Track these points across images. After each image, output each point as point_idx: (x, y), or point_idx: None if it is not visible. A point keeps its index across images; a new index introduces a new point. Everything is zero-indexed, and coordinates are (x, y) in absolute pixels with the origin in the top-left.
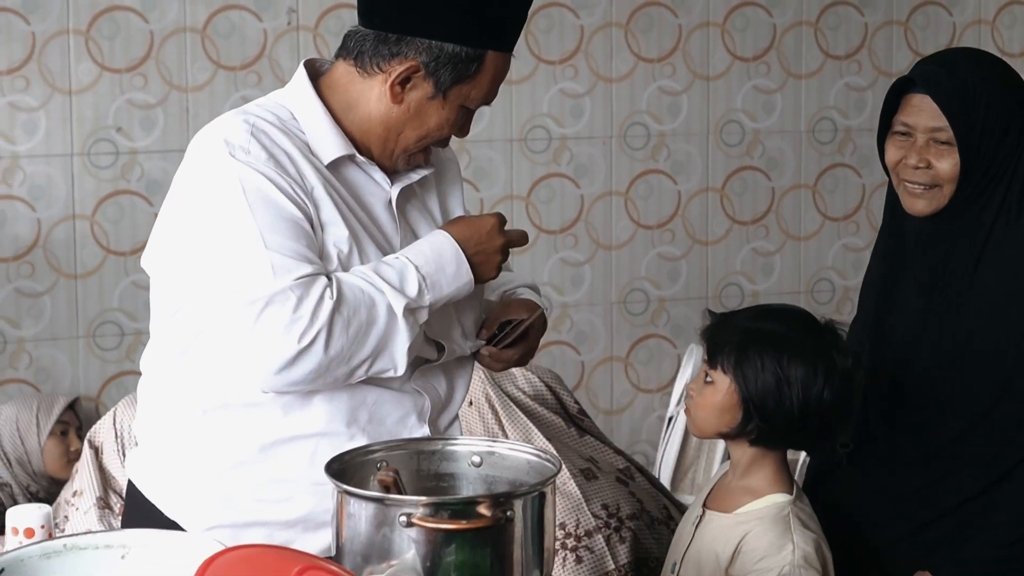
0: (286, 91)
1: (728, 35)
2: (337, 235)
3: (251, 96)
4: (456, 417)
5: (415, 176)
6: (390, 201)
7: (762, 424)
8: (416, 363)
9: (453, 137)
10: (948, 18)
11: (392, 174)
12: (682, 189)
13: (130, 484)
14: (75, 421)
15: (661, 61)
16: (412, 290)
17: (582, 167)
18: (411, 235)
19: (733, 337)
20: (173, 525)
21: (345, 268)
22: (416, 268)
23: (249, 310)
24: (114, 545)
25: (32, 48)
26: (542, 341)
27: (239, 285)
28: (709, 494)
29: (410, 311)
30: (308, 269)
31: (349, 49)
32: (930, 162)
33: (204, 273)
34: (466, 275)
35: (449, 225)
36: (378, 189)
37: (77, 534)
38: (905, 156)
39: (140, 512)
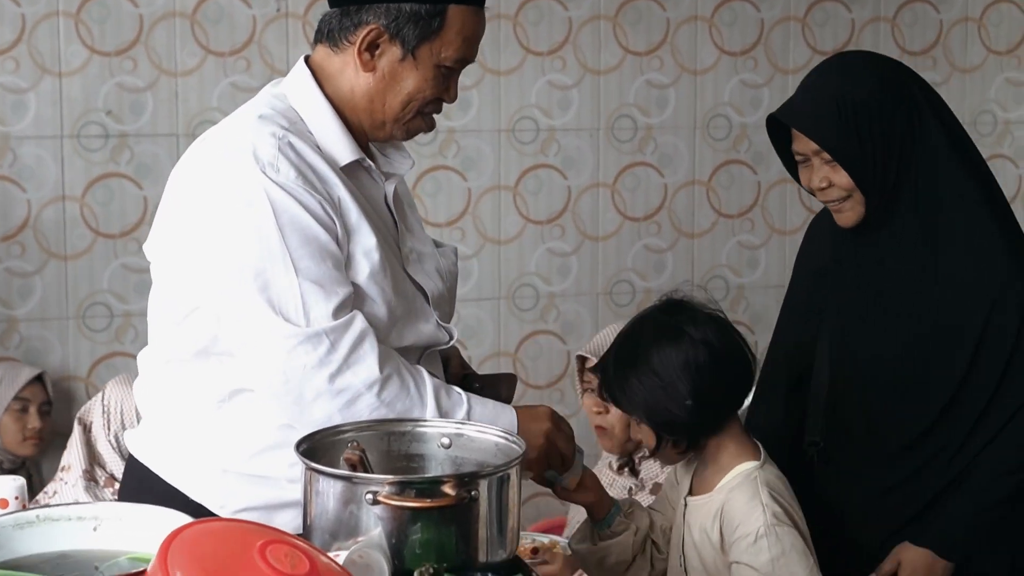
0: (288, 90)
1: (716, 29)
2: (366, 244)
3: (240, 82)
4: None
5: (402, 171)
6: (385, 197)
7: (675, 436)
8: (425, 348)
9: (443, 123)
10: (935, 15)
11: (384, 171)
12: (668, 182)
13: (141, 466)
14: (40, 397)
15: (649, 54)
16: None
17: (569, 159)
18: (407, 232)
19: (612, 376)
20: (198, 507)
21: (377, 277)
22: (468, 411)
23: (284, 344)
24: (86, 517)
25: (22, 30)
26: (528, 331)
27: (271, 310)
28: (690, 486)
29: None
30: (337, 299)
31: (322, 32)
32: (829, 180)
33: (229, 286)
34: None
35: (517, 407)
36: (375, 185)
37: (50, 506)
38: (810, 179)
39: (153, 494)
